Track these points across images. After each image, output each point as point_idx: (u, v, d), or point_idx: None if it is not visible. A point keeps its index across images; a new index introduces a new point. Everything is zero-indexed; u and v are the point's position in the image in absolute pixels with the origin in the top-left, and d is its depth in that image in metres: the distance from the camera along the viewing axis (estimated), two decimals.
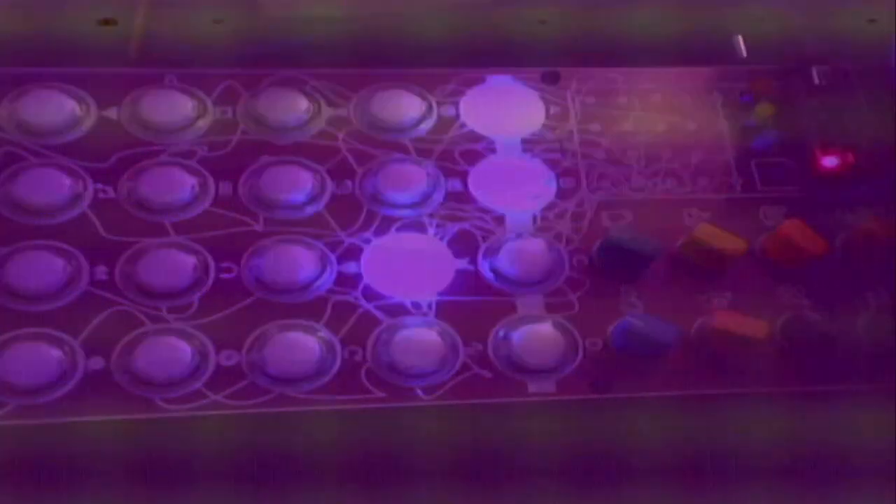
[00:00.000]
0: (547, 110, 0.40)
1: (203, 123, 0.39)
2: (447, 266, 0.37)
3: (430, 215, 0.38)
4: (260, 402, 0.34)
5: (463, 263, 0.37)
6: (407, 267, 0.37)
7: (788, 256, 0.38)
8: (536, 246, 0.37)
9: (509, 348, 0.36)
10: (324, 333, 0.35)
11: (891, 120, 0.39)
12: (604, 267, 0.37)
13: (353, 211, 0.38)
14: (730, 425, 0.36)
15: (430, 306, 0.36)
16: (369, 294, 0.36)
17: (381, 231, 0.37)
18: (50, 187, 0.36)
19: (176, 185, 0.37)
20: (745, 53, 0.43)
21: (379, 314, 0.36)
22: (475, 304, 0.36)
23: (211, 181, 0.37)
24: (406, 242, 0.37)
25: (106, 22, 0.33)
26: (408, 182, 0.38)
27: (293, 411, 0.34)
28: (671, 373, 0.36)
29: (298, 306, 0.36)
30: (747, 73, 0.42)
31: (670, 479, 0.36)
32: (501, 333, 0.36)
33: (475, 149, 0.39)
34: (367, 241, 0.37)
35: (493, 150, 0.39)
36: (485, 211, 0.38)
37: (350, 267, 0.37)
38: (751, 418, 0.36)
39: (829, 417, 0.36)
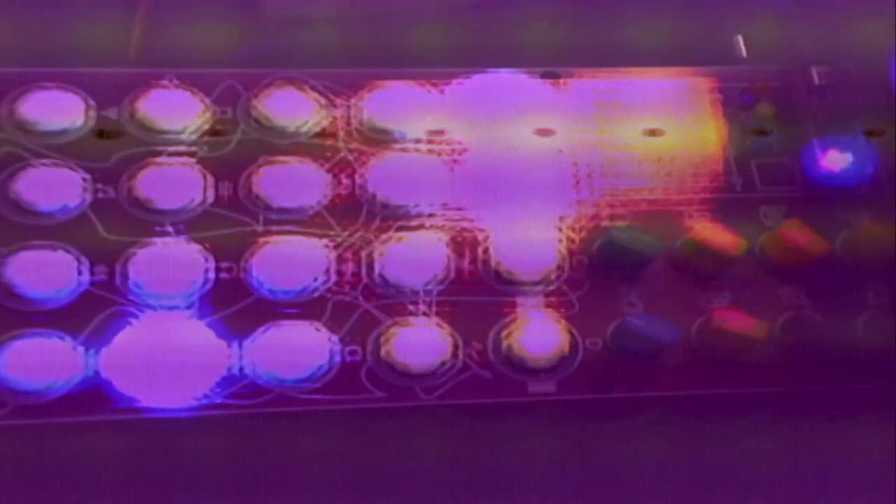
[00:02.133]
0: (544, 110, 0.40)
1: (203, 123, 0.39)
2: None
3: (430, 215, 0.38)
4: (260, 402, 0.34)
5: (462, 264, 0.37)
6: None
7: (788, 256, 0.38)
8: (535, 246, 0.37)
9: (509, 348, 0.36)
10: (324, 333, 0.35)
11: (891, 120, 0.39)
12: (604, 267, 0.37)
13: (353, 211, 0.38)
14: (730, 425, 0.36)
15: (430, 306, 0.36)
16: (369, 294, 0.36)
17: (380, 231, 0.37)
18: (50, 187, 0.36)
19: (176, 185, 0.37)
20: (745, 53, 0.43)
21: (379, 314, 0.36)
22: (475, 304, 0.36)
23: (211, 181, 0.37)
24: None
25: None
26: (407, 182, 0.38)
27: (293, 411, 0.34)
28: (671, 373, 0.36)
29: (298, 306, 0.36)
30: (747, 73, 0.42)
31: (670, 479, 0.36)
32: (501, 333, 0.36)
33: (475, 148, 0.39)
34: (368, 242, 0.37)
35: (493, 150, 0.39)
36: (484, 211, 0.38)
37: (347, 267, 0.37)
38: (751, 418, 0.36)
39: (829, 417, 0.36)
